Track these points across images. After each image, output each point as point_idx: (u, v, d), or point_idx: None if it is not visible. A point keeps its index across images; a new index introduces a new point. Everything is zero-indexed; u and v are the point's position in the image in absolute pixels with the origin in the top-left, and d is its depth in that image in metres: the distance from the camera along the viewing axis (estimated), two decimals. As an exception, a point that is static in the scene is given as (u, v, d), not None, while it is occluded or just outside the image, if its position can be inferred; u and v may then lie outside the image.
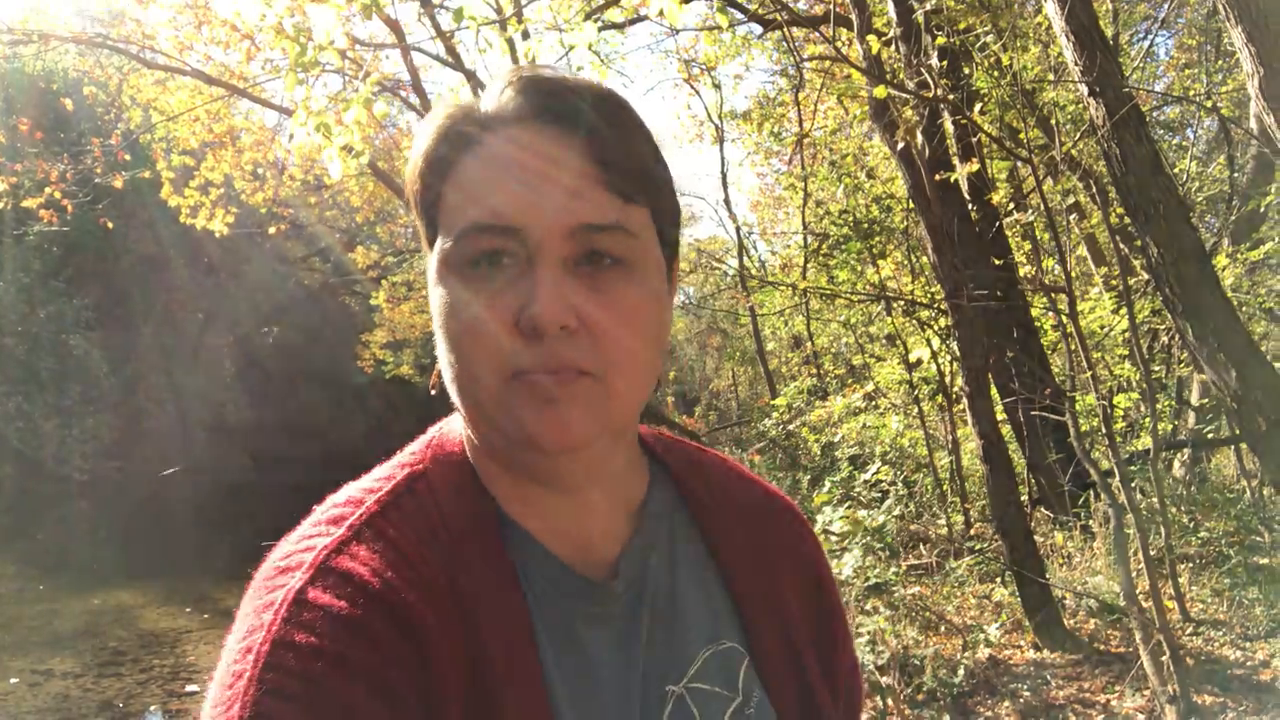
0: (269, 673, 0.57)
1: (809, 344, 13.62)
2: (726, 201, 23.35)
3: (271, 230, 12.03)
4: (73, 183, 9.05)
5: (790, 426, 10.46)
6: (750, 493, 0.85)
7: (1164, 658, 4.16)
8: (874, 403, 10.28)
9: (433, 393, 0.74)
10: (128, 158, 10.13)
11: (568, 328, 0.62)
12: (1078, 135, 6.35)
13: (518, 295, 0.62)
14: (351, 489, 0.72)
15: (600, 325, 0.64)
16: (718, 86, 13.80)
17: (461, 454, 0.74)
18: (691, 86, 13.74)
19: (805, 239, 12.25)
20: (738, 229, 15.20)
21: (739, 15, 9.17)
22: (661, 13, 3.39)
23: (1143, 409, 7.68)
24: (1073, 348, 5.55)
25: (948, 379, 8.06)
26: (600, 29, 9.54)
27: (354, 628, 0.60)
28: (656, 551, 0.76)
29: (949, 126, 6.28)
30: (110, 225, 12.84)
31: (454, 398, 0.69)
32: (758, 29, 10.14)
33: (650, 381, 0.70)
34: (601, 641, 0.71)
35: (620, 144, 0.66)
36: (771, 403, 12.00)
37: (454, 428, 0.77)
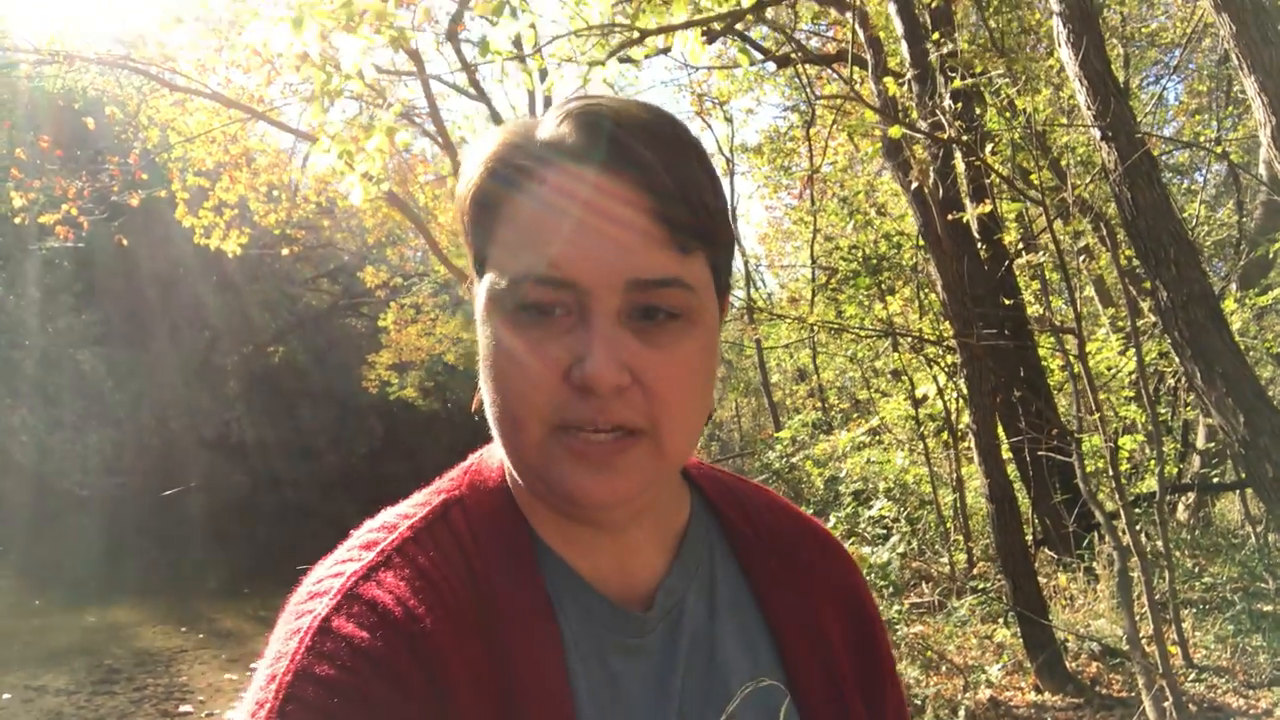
0: (289, 704, 0.58)
1: (814, 377, 13.64)
2: (735, 233, 23.47)
3: (285, 251, 12.11)
4: (89, 200, 9.14)
5: (794, 459, 10.45)
6: (790, 523, 0.83)
7: (1166, 703, 4.13)
8: (878, 438, 10.27)
9: (475, 418, 0.72)
10: (144, 177, 10.24)
11: (621, 386, 0.60)
12: (1089, 178, 6.40)
13: (570, 348, 0.61)
14: (388, 514, 0.72)
15: (655, 383, 0.62)
16: (729, 120, 13.94)
17: (500, 483, 0.73)
18: (703, 120, 13.87)
19: (814, 273, 12.30)
20: (745, 261, 15.28)
21: (756, 54, 9.28)
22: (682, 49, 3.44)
23: (1148, 451, 7.67)
24: (1080, 388, 5.56)
25: (953, 416, 8.06)
26: (619, 62, 9.67)
27: (375, 661, 0.60)
28: (695, 583, 0.75)
29: (960, 166, 6.33)
30: (125, 242, 12.96)
31: (496, 436, 0.67)
32: (771, 65, 10.27)
33: (701, 430, 0.69)
34: (636, 674, 0.69)
35: (680, 189, 0.62)
36: (776, 435, 12.00)
37: (494, 455, 0.75)
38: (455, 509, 0.70)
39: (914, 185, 5.26)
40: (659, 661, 0.70)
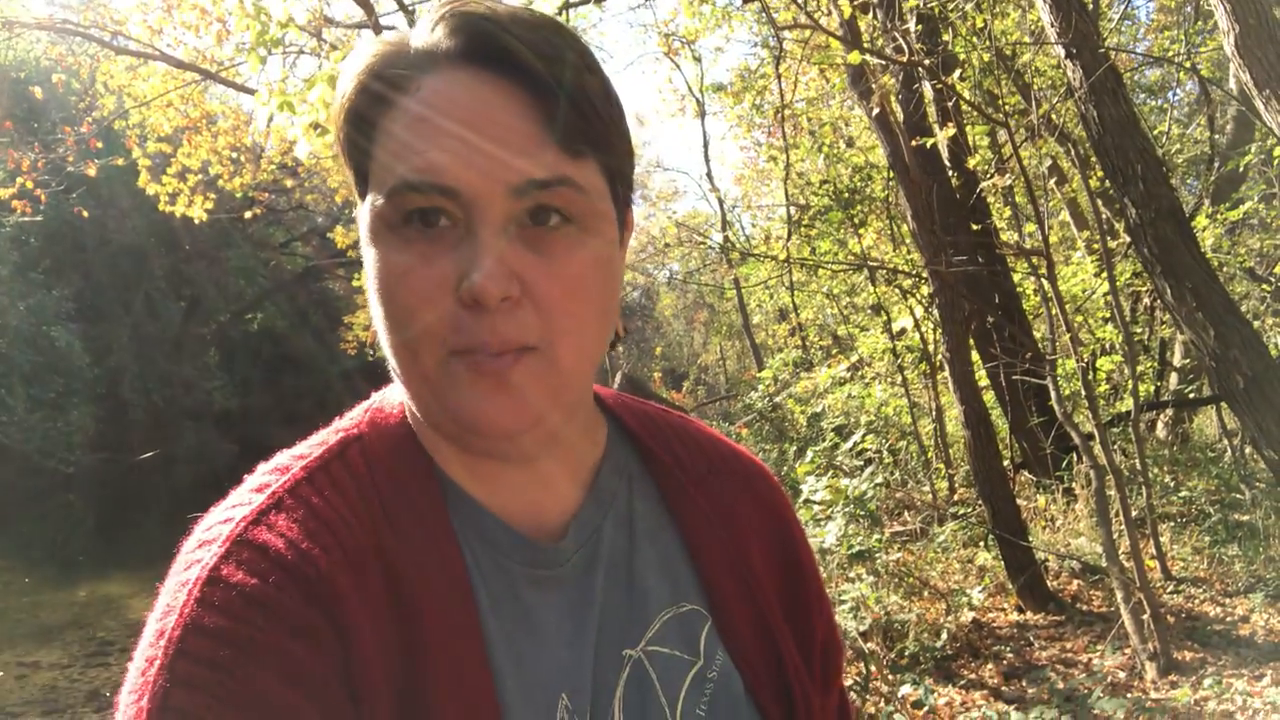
0: (179, 660, 0.54)
1: (794, 316, 13.64)
2: (709, 175, 23.28)
3: (248, 215, 11.90)
4: (44, 172, 8.93)
5: (776, 399, 10.48)
6: (715, 453, 0.81)
7: (1145, 616, 4.19)
8: (859, 373, 10.31)
9: (371, 354, 0.69)
10: (100, 145, 10.00)
11: (510, 298, 0.58)
12: (1056, 99, 6.34)
13: (457, 262, 0.58)
14: (282, 456, 0.68)
15: (546, 294, 0.59)
16: (698, 60, 13.74)
17: (401, 420, 0.69)
18: (672, 60, 13.66)
19: (788, 210, 12.23)
20: (720, 202, 15.17)
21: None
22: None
23: (1125, 371, 7.72)
24: (1053, 312, 5.56)
25: (931, 347, 8.08)
26: (577, 3, 9.45)
27: (267, 608, 0.56)
28: (612, 514, 0.73)
29: (927, 92, 6.25)
30: (87, 214, 12.72)
31: (392, 369, 0.65)
32: (738, 1, 10.05)
33: (602, 348, 0.66)
34: (551, 607, 0.67)
35: (566, 92, 0.59)
36: (758, 375, 12.03)
37: (395, 393, 0.73)
38: (353, 447, 0.67)
39: (876, 112, 5.18)
40: (575, 593, 0.68)
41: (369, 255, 0.61)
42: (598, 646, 0.68)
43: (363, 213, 0.62)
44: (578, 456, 0.73)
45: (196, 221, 9.82)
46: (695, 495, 0.76)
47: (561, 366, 0.61)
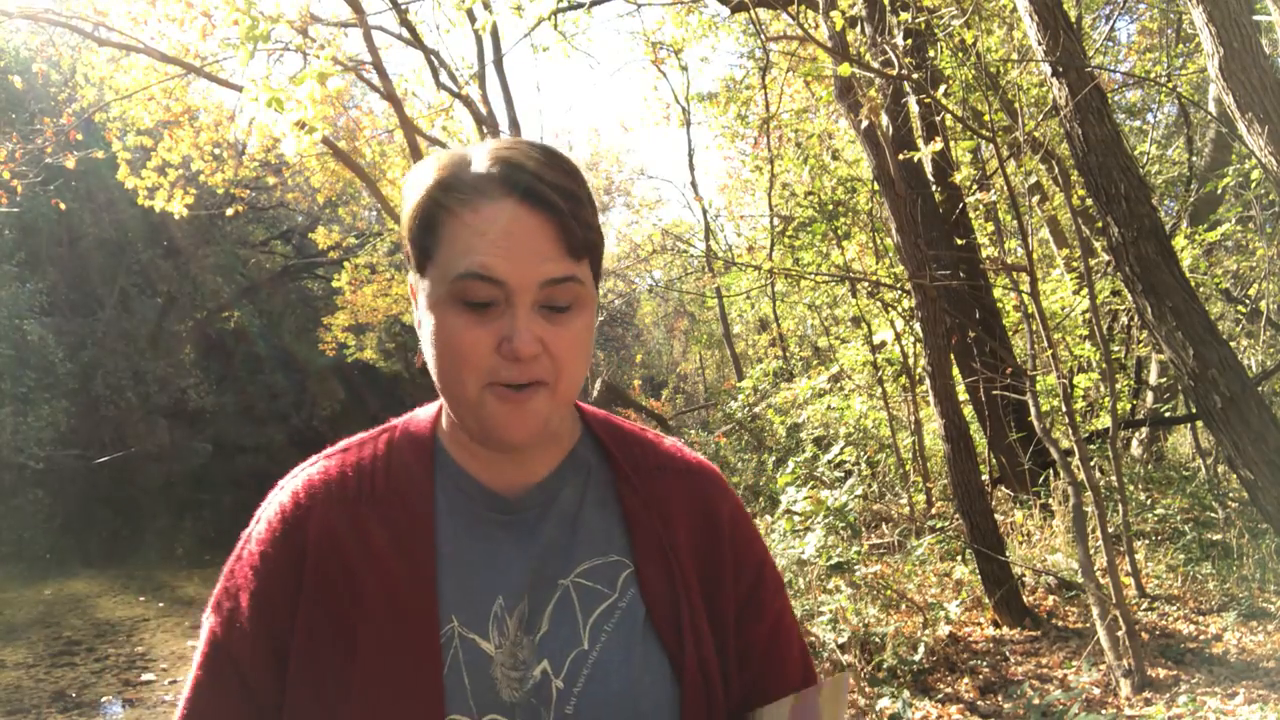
0: (226, 582, 0.96)
1: (775, 326, 13.66)
2: (693, 184, 23.30)
3: (229, 212, 11.77)
4: (22, 163, 8.81)
5: (756, 409, 10.49)
6: (664, 455, 1.06)
7: (1120, 632, 4.21)
8: (839, 384, 10.33)
9: (420, 375, 0.92)
10: (79, 137, 9.88)
11: (536, 355, 0.86)
12: (1041, 116, 6.39)
13: (500, 330, 0.85)
14: (347, 440, 1.02)
15: (557, 350, 0.87)
16: (685, 69, 13.74)
17: (426, 422, 1.01)
18: (658, 69, 13.66)
19: (771, 221, 12.25)
20: (704, 211, 15.18)
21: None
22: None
23: (1102, 389, 7.78)
24: (1034, 328, 5.59)
25: (911, 360, 8.11)
26: (565, 9, 9.43)
27: (259, 555, 0.93)
28: (570, 486, 0.99)
29: (913, 107, 6.28)
30: (64, 207, 12.56)
31: (440, 391, 0.92)
32: (725, 11, 10.07)
33: (584, 376, 0.95)
34: (506, 540, 0.94)
35: (573, 214, 0.87)
36: (738, 385, 12.03)
37: (426, 410, 1.03)
38: (386, 435, 1.02)
39: (865, 124, 5.20)
40: (527, 534, 0.95)
41: (430, 318, 0.89)
42: (539, 573, 0.93)
43: (422, 284, 0.90)
44: (556, 447, 1.00)
45: (176, 217, 9.72)
46: (638, 484, 1.01)
47: (560, 396, 0.90)
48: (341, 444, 1.01)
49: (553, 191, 0.87)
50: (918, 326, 6.21)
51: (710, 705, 0.96)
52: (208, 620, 0.95)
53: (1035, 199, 8.82)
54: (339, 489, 0.95)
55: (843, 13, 5.06)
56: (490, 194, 0.86)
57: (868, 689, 4.20)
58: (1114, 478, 5.36)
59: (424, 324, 0.91)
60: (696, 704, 0.95)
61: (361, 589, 0.89)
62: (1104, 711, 3.87)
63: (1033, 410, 5.04)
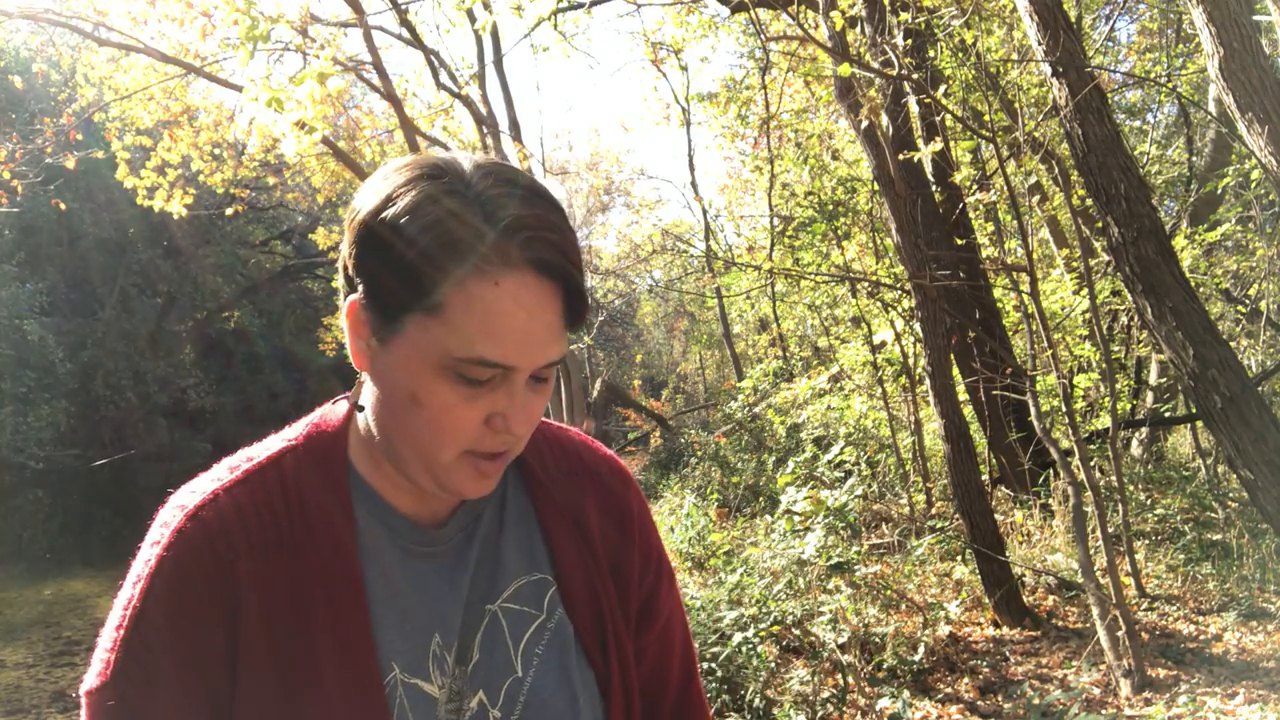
0: (133, 632, 0.81)
1: (775, 326, 13.66)
2: (693, 184, 23.30)
3: (229, 211, 11.77)
4: (22, 163, 8.81)
5: (756, 409, 10.49)
6: (576, 457, 1.06)
7: (1120, 633, 4.21)
8: (839, 384, 10.33)
9: (347, 358, 0.88)
10: (79, 137, 9.88)
11: (530, 431, 0.85)
12: (1041, 116, 6.39)
13: (493, 404, 0.82)
14: (239, 454, 0.92)
15: (532, 420, 0.85)
16: (685, 69, 13.74)
17: (335, 433, 0.93)
18: (658, 69, 13.66)
19: (771, 221, 12.25)
20: (704, 211, 15.18)
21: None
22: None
23: (1102, 389, 7.78)
24: (1034, 328, 5.59)
25: (911, 360, 8.11)
26: (565, 9, 9.42)
27: (177, 606, 0.82)
28: (491, 504, 0.97)
29: (913, 107, 6.28)
30: (64, 207, 12.55)
31: (397, 445, 0.85)
32: (725, 11, 10.07)
33: None
34: (433, 571, 0.91)
35: (579, 289, 0.83)
36: (738, 385, 12.03)
37: (337, 413, 0.95)
38: (289, 456, 0.91)
39: (865, 124, 5.20)
40: (453, 563, 0.93)
41: (410, 380, 0.81)
42: (468, 602, 0.92)
43: (390, 331, 0.81)
44: None
45: (175, 217, 9.72)
46: (553, 493, 1.01)
47: (515, 451, 0.88)
48: (240, 467, 0.90)
49: (574, 269, 0.81)
50: (918, 326, 6.20)
51: (629, 717, 0.99)
52: (102, 699, 0.81)
53: (1035, 199, 8.81)
54: (258, 535, 0.85)
55: (843, 13, 5.06)
56: (511, 261, 0.78)
57: (868, 689, 4.21)
58: (1114, 478, 5.36)
59: (394, 380, 0.82)
60: (621, 718, 0.97)
61: (298, 648, 0.83)
62: (1104, 711, 3.87)
63: (1033, 410, 5.04)
